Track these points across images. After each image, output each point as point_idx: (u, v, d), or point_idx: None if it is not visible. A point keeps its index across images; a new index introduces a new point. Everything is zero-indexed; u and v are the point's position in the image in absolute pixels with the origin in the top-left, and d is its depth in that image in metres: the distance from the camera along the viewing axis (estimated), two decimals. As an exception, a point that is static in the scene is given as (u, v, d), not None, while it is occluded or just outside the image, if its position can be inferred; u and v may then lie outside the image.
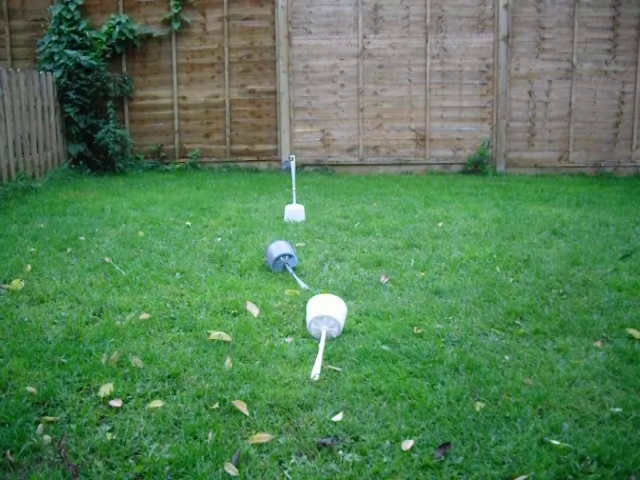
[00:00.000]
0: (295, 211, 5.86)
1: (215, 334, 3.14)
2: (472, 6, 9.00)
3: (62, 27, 8.77)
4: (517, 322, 3.41)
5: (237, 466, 2.14)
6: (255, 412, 2.47)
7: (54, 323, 3.34)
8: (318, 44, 9.14)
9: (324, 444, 2.26)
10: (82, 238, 5.03)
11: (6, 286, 3.85)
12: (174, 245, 4.88)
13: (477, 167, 9.13)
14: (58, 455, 2.18)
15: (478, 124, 9.20)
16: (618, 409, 2.51)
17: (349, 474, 2.12)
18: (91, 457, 2.19)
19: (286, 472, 2.13)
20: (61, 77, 8.51)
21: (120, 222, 5.61)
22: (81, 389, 2.65)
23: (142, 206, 6.37)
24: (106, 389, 2.61)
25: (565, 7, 8.93)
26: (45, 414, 2.46)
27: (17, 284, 3.84)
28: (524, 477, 2.09)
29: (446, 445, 2.25)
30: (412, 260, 4.52)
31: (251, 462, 2.17)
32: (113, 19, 8.95)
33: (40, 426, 2.35)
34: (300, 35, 9.12)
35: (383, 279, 4.09)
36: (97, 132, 8.68)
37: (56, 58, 8.58)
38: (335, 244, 4.97)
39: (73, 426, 2.36)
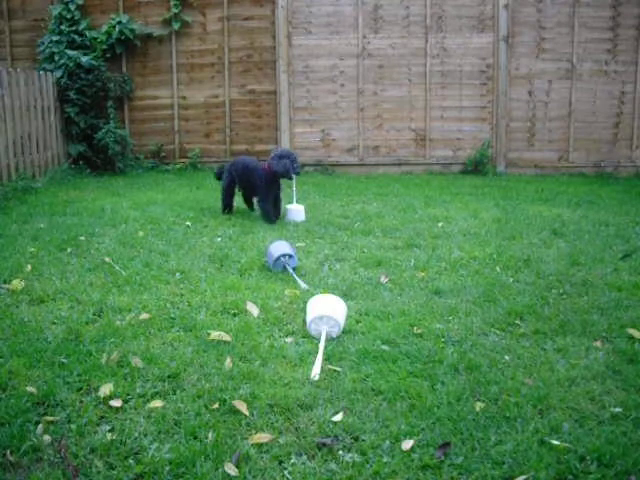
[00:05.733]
0: (295, 211, 5.86)
1: (215, 334, 3.14)
2: (472, 6, 9.00)
3: (62, 27, 8.78)
4: (517, 322, 3.41)
5: (237, 466, 2.14)
6: (255, 412, 2.47)
7: (54, 323, 3.34)
8: (318, 44, 9.14)
9: (324, 444, 2.26)
10: (82, 238, 5.02)
11: (6, 286, 3.85)
12: (174, 245, 4.88)
13: (477, 167, 9.13)
14: (58, 455, 2.18)
15: (478, 124, 9.20)
16: (618, 409, 2.51)
17: (349, 474, 2.12)
18: (91, 457, 2.19)
19: (286, 472, 2.13)
20: (61, 77, 8.51)
21: (120, 222, 5.61)
22: (81, 389, 2.65)
23: (142, 206, 6.37)
24: (106, 389, 2.61)
25: (565, 7, 8.92)
26: (45, 414, 2.46)
27: (17, 284, 3.84)
28: (524, 477, 2.09)
29: (446, 445, 2.25)
30: (412, 260, 4.52)
31: (251, 462, 2.17)
32: (113, 19, 8.95)
33: (40, 426, 2.35)
34: (300, 35, 9.12)
35: (383, 279, 4.09)
36: (97, 132, 8.68)
37: (57, 58, 8.59)
38: (335, 244, 4.97)
39: (73, 426, 2.36)
